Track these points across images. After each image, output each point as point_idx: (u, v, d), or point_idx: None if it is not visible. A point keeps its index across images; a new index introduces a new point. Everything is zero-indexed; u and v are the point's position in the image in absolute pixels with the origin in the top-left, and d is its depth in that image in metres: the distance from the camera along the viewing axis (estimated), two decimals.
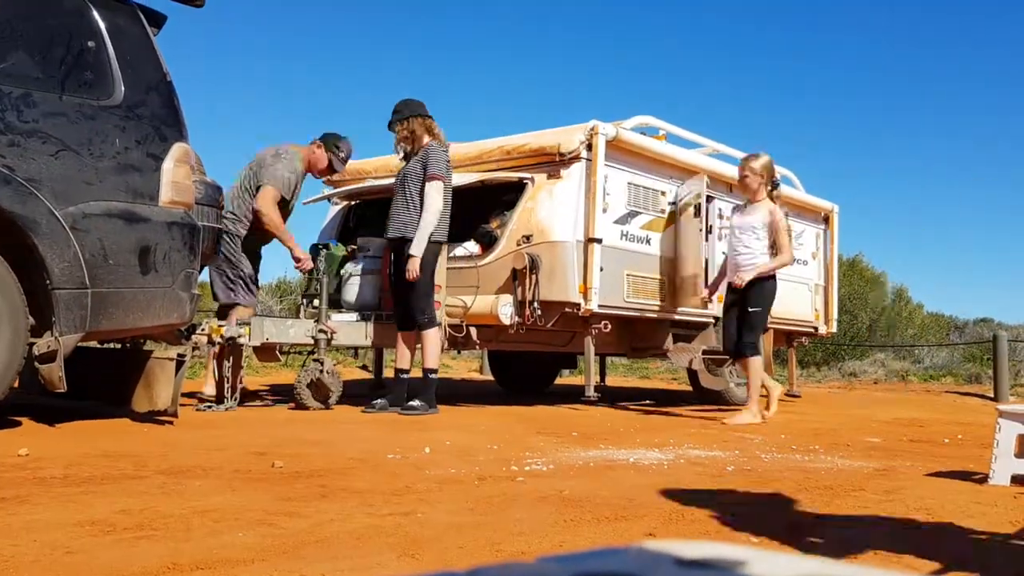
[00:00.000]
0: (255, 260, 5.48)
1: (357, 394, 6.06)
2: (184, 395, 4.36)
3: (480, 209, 5.92)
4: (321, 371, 4.98)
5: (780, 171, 7.52)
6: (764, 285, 5.24)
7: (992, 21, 33.82)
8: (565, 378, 10.23)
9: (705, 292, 5.86)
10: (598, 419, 5.17)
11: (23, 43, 3.50)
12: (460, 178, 5.87)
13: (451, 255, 5.63)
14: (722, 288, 6.46)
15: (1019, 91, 32.82)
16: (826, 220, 8.10)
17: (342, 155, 5.58)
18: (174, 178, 3.82)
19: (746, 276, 5.16)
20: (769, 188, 5.37)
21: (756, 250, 5.23)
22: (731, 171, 6.46)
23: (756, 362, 5.23)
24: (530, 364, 7.95)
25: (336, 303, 5.74)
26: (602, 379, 9.37)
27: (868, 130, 38.39)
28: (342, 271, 5.75)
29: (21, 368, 3.45)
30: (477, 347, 6.00)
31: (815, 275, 7.85)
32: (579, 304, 5.44)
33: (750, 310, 5.21)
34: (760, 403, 5.31)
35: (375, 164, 6.58)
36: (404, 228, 4.93)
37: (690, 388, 7.13)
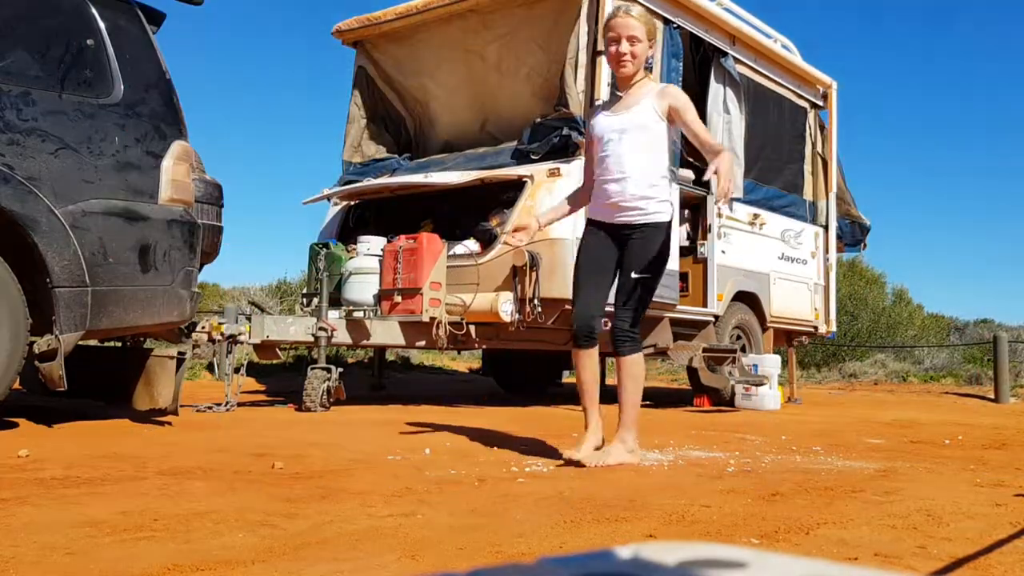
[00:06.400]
0: None
1: (357, 395, 6.07)
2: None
3: (480, 207, 5.91)
4: (329, 379, 4.99)
5: (778, 38, 7.28)
6: None
7: (992, 23, 33.82)
8: (564, 379, 10.23)
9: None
10: None
11: (22, 41, 3.49)
12: (460, 176, 5.86)
13: (451, 253, 5.62)
14: (718, 288, 6.50)
15: (1020, 91, 32.83)
16: (824, 98, 8.03)
17: None
18: (174, 176, 3.82)
19: None
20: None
21: None
22: None
23: None
24: (530, 365, 7.93)
25: (336, 301, 5.73)
26: (602, 380, 9.35)
27: (867, 129, 38.41)
28: (343, 269, 5.75)
29: (21, 367, 3.45)
30: (477, 345, 5.99)
31: (814, 274, 7.84)
32: None
33: None
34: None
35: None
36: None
37: (689, 387, 7.13)
